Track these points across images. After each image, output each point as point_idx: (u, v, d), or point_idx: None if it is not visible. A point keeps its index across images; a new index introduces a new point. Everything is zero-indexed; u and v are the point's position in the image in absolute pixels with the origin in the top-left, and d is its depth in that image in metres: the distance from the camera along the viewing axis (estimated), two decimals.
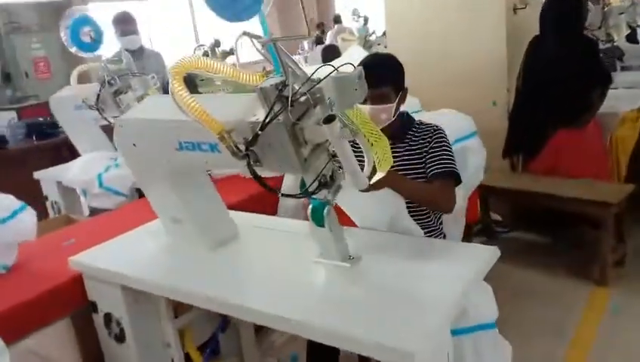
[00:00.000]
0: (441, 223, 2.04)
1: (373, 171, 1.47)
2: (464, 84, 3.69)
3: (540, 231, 3.53)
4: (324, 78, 1.24)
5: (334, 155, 1.38)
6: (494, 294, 1.55)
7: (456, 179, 1.86)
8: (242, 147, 1.29)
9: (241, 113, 1.29)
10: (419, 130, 1.93)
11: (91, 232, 2.30)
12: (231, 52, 5.27)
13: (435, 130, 1.90)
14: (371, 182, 1.40)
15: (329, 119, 1.16)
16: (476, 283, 1.48)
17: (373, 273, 1.49)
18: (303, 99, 1.24)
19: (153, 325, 1.81)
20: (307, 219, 1.52)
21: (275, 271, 1.58)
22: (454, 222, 2.75)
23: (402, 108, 2.00)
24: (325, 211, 1.44)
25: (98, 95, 2.78)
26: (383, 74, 1.81)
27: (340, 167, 1.38)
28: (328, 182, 1.35)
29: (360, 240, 1.65)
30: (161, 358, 1.85)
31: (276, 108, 1.21)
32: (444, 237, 2.06)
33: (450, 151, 1.87)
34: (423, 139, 1.90)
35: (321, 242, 1.52)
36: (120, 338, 1.84)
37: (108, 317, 1.86)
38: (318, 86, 1.23)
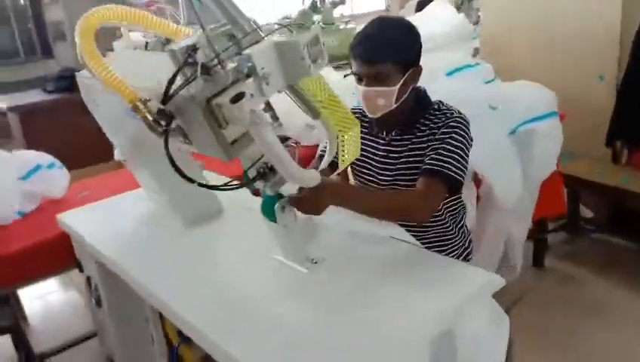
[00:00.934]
0: (461, 227, 1.64)
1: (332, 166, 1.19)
2: (566, 52, 3.07)
3: (635, 237, 2.93)
4: (255, 42, 0.96)
5: (283, 140, 1.11)
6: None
7: (452, 184, 1.38)
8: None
9: (165, 78, 1.05)
10: (434, 116, 1.48)
11: (110, 186, 2.24)
12: (342, 1, 4.95)
13: (449, 117, 1.44)
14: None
15: (238, 97, 0.89)
16: (460, 320, 1.14)
17: (330, 286, 1.21)
18: (230, 67, 0.98)
19: (131, 298, 1.70)
20: None
21: (230, 265, 1.37)
22: (516, 219, 2.34)
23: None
24: (277, 206, 1.18)
25: (146, 45, 2.70)
26: (381, 47, 1.37)
27: None
28: (267, 174, 1.09)
29: (337, 234, 1.37)
30: (140, 331, 1.75)
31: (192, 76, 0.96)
32: (468, 245, 1.67)
33: (456, 147, 1.39)
34: (432, 128, 1.46)
35: (277, 239, 1.27)
36: (98, 302, 1.77)
37: (89, 280, 1.79)
38: (247, 52, 0.95)
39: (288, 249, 1.27)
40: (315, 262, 1.27)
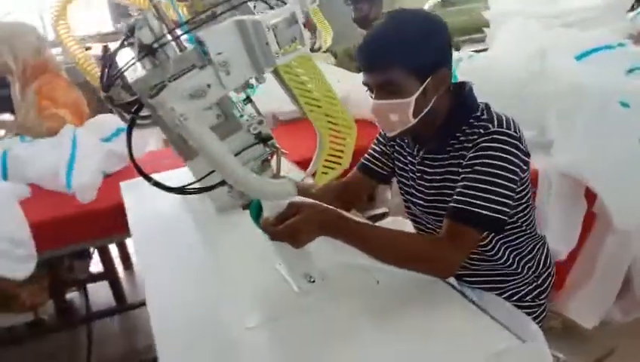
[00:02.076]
0: (529, 261, 1.27)
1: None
2: None
3: None
4: (206, 20, 0.79)
5: (264, 139, 0.93)
6: None
7: (487, 227, 1.06)
8: None
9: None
10: (471, 130, 1.12)
11: None
12: None
13: (482, 134, 1.08)
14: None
15: (159, 90, 0.73)
16: None
17: (319, 317, 1.02)
18: (185, 50, 0.82)
19: None
20: None
21: (227, 272, 1.25)
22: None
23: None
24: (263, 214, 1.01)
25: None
26: (386, 50, 1.06)
27: (267, 159, 0.93)
28: None
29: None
30: None
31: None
32: (543, 282, 1.32)
33: (493, 175, 1.04)
34: (465, 148, 1.12)
35: (273, 248, 1.10)
36: None
37: None
38: (198, 34, 0.79)
39: (284, 261, 1.10)
40: (313, 281, 1.08)
